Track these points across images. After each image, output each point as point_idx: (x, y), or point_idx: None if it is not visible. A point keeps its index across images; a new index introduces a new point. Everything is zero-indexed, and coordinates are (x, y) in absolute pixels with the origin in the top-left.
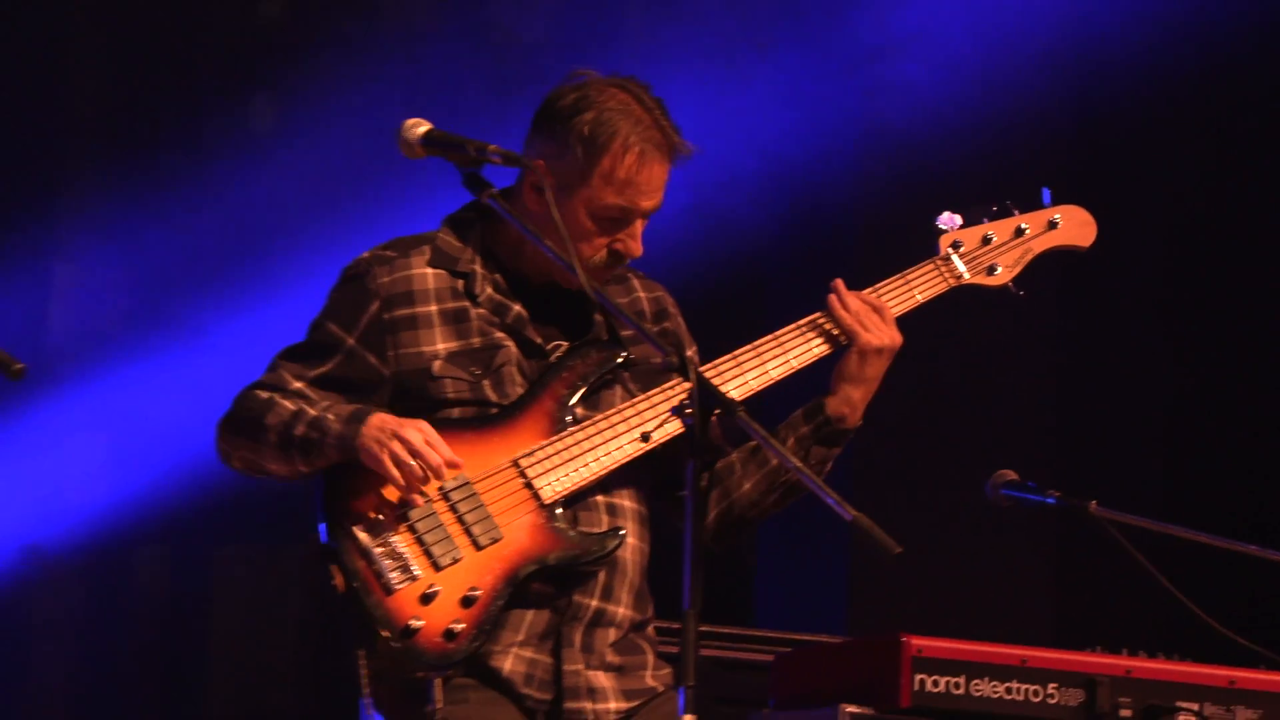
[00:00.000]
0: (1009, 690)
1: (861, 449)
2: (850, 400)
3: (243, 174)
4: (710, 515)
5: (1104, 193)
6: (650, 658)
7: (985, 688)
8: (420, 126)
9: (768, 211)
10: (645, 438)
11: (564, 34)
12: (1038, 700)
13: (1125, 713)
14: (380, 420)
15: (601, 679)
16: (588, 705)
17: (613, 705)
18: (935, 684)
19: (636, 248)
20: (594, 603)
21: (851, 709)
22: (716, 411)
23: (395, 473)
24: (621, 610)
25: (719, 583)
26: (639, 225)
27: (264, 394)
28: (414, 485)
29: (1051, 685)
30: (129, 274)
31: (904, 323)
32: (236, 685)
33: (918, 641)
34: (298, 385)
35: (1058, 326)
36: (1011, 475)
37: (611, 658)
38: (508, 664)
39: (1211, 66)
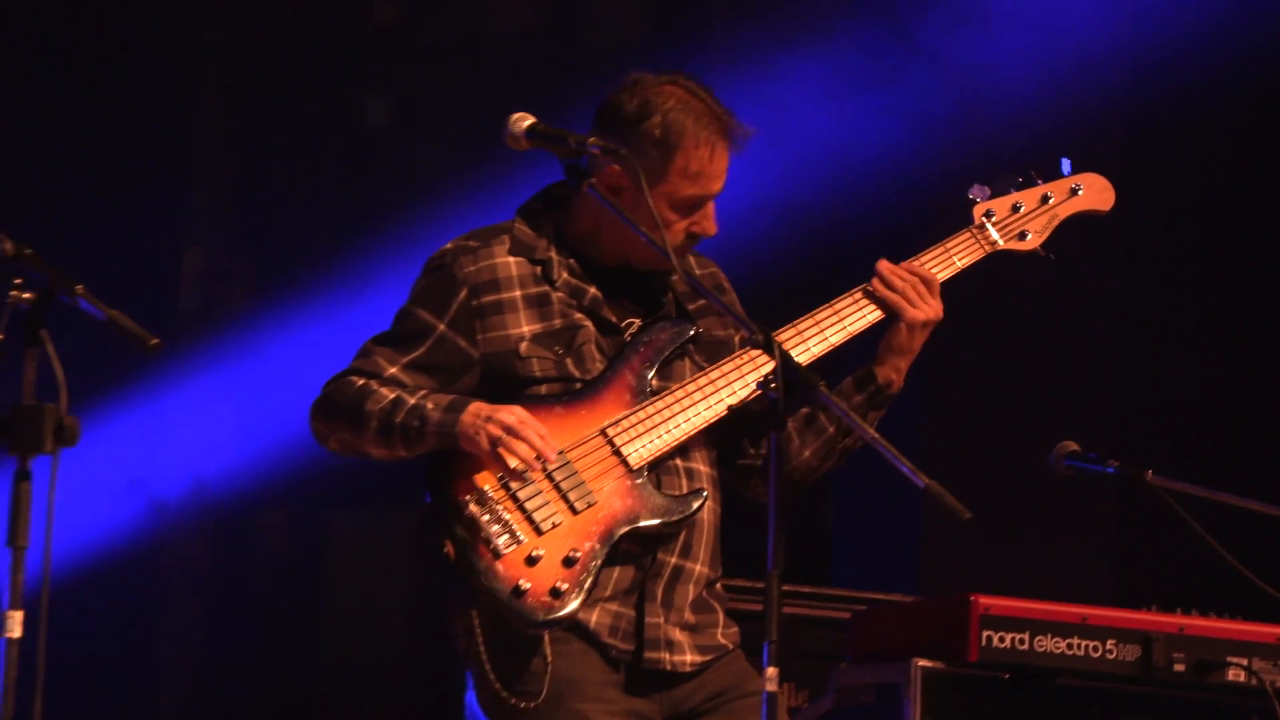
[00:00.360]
0: (1070, 646)
1: (933, 421)
2: (898, 368)
3: (359, 164)
4: None
5: (1165, 165)
6: (720, 616)
7: (1048, 643)
8: (525, 120)
9: (874, 202)
10: (730, 410)
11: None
12: (1097, 655)
13: (1179, 667)
14: (476, 408)
15: (678, 634)
16: (666, 656)
17: (689, 657)
18: (1001, 640)
19: (712, 227)
20: (674, 560)
21: (923, 663)
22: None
23: (492, 456)
24: (699, 567)
25: (799, 545)
26: (711, 206)
27: (359, 380)
28: (510, 466)
29: (1110, 641)
30: (253, 256)
31: (973, 303)
32: (350, 640)
33: (985, 600)
34: (392, 371)
35: (1114, 304)
36: (1073, 447)
37: (688, 616)
38: (594, 617)
39: (1268, 58)
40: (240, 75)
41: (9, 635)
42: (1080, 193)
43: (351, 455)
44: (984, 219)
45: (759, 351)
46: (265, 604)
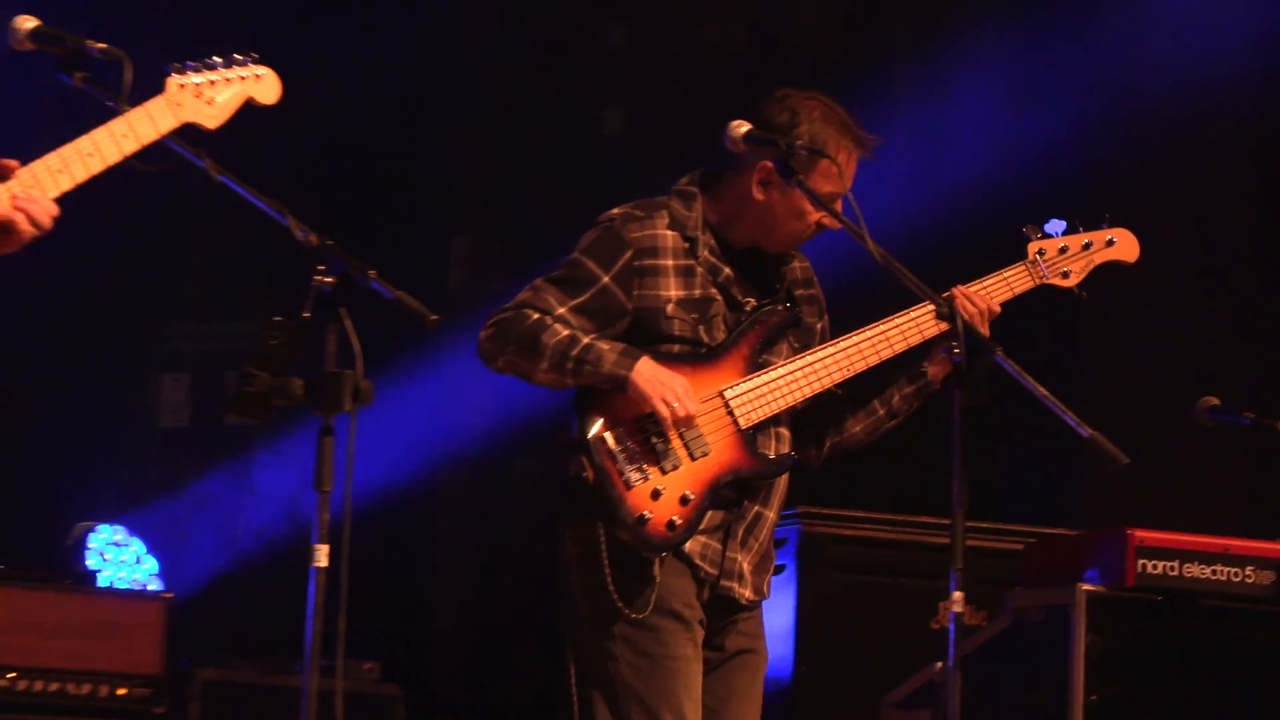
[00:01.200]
0: (1214, 572)
1: (1092, 379)
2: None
3: (598, 166)
4: (825, 446)
5: None
6: (769, 576)
7: (1195, 570)
8: (743, 126)
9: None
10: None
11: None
12: (1237, 580)
13: None
14: (653, 366)
15: (747, 570)
16: (736, 585)
17: (749, 593)
18: (1155, 567)
19: (835, 222)
20: (756, 507)
21: (1087, 587)
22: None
23: (664, 411)
24: (771, 514)
25: (977, 486)
26: (839, 203)
27: (534, 314)
28: (668, 422)
29: (1249, 568)
30: (509, 245)
31: (1117, 274)
32: None
33: (1140, 533)
34: (561, 311)
35: (1249, 265)
36: (1214, 401)
37: (756, 557)
38: (688, 544)
39: None
40: (500, 91)
41: (317, 565)
42: (1114, 244)
43: (513, 375)
44: (1036, 255)
45: (848, 342)
46: (520, 537)
